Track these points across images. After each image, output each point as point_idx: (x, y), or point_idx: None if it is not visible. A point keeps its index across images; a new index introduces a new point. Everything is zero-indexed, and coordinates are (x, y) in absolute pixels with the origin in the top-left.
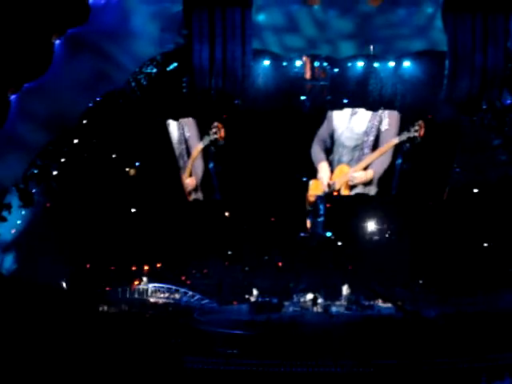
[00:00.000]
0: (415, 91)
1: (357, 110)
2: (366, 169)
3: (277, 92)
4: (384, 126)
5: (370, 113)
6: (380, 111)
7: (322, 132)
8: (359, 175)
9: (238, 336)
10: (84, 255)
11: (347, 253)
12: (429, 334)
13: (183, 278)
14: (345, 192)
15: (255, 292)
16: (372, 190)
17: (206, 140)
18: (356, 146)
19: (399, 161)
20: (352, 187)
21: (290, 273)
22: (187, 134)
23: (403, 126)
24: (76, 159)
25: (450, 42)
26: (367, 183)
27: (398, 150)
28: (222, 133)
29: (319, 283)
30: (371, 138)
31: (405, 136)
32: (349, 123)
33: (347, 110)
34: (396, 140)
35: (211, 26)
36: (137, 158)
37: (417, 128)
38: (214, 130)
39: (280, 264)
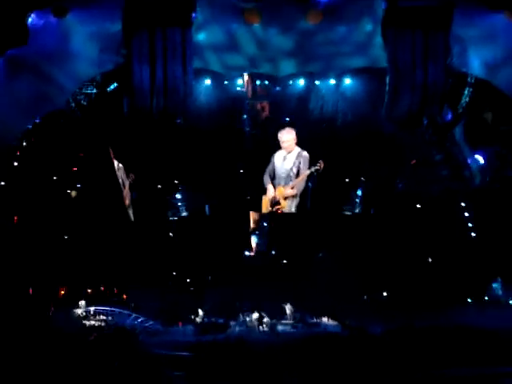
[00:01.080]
0: (356, 108)
1: (286, 155)
2: (292, 188)
3: (218, 111)
4: (301, 164)
5: (294, 156)
6: (298, 157)
7: (269, 168)
8: (289, 191)
9: (184, 358)
10: (25, 279)
11: (292, 271)
12: (375, 350)
13: (126, 300)
14: (282, 202)
15: (200, 312)
16: (295, 202)
17: None
18: (287, 175)
19: (309, 184)
20: (286, 198)
21: (236, 292)
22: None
23: (311, 164)
24: (16, 182)
25: (390, 59)
26: (294, 196)
27: (309, 177)
28: None
29: (265, 302)
30: (294, 171)
31: (312, 169)
32: (282, 163)
33: (281, 155)
34: (307, 172)
35: (151, 46)
36: (78, 179)
37: (318, 165)
38: None
39: (225, 284)
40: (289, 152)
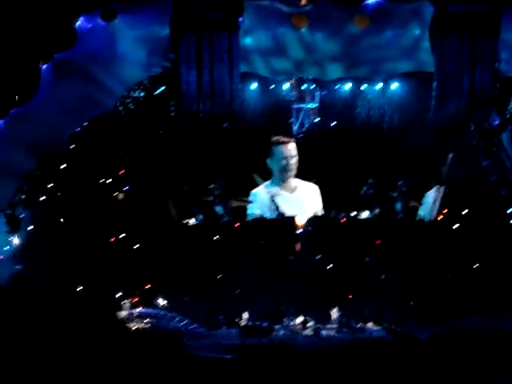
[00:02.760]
0: (403, 113)
1: (290, 196)
2: None
3: (265, 115)
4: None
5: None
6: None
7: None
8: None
9: (228, 361)
10: (71, 280)
11: (338, 275)
12: (421, 355)
13: (172, 302)
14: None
15: (245, 316)
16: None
17: None
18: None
19: None
20: None
21: (280, 296)
22: None
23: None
24: (63, 184)
25: (438, 64)
26: None
27: None
28: None
29: (310, 306)
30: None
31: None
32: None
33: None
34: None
35: (198, 50)
36: (125, 182)
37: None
38: None
39: (270, 287)
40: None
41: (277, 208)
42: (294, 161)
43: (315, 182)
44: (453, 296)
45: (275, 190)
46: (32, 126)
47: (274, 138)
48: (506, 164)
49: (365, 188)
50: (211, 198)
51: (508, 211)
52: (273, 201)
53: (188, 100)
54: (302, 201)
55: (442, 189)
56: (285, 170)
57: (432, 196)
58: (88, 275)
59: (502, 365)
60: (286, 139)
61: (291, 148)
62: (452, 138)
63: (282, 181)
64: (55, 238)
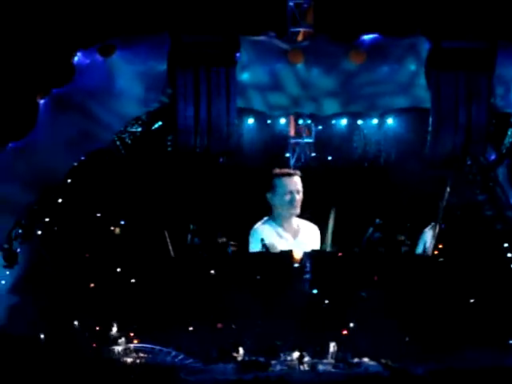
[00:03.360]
0: (399, 148)
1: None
2: None
3: (262, 150)
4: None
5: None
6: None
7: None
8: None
9: None
10: (68, 314)
11: (334, 310)
12: None
13: (167, 337)
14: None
15: (241, 351)
16: None
17: None
18: None
19: None
20: None
21: (277, 331)
22: None
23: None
24: (60, 218)
25: (434, 99)
26: None
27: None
28: None
29: (306, 341)
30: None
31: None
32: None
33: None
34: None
35: (196, 85)
36: (121, 216)
37: None
38: None
39: (266, 322)
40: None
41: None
42: (299, 196)
43: (310, 219)
44: (449, 331)
45: (278, 230)
46: (29, 160)
47: (277, 171)
48: (502, 199)
49: (370, 230)
50: (224, 240)
51: (504, 246)
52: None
53: (185, 135)
54: (305, 246)
55: (438, 226)
56: (289, 205)
57: (429, 233)
58: (83, 309)
59: None
60: (290, 171)
61: (297, 181)
62: (448, 174)
63: (284, 218)
64: (51, 272)
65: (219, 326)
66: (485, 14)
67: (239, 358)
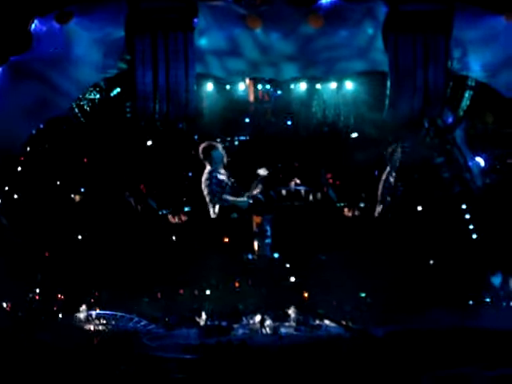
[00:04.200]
0: (358, 112)
1: None
2: None
3: (220, 115)
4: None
5: None
6: None
7: None
8: None
9: (188, 360)
10: (31, 283)
11: (295, 273)
12: (378, 352)
13: (130, 303)
14: None
15: (204, 316)
16: None
17: None
18: None
19: None
20: None
21: (239, 295)
22: None
23: None
24: (20, 187)
25: (391, 62)
26: None
27: None
28: None
29: (268, 305)
30: None
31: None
32: None
33: None
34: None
35: (154, 51)
36: (81, 183)
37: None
38: None
39: (228, 287)
40: None
41: None
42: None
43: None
44: (409, 292)
45: None
46: None
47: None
48: (460, 161)
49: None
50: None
51: (462, 207)
52: None
53: (143, 101)
54: None
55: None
56: None
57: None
58: (44, 277)
59: (456, 359)
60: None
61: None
62: (406, 136)
63: None
64: (11, 240)
65: (181, 291)
66: None
67: (202, 323)
